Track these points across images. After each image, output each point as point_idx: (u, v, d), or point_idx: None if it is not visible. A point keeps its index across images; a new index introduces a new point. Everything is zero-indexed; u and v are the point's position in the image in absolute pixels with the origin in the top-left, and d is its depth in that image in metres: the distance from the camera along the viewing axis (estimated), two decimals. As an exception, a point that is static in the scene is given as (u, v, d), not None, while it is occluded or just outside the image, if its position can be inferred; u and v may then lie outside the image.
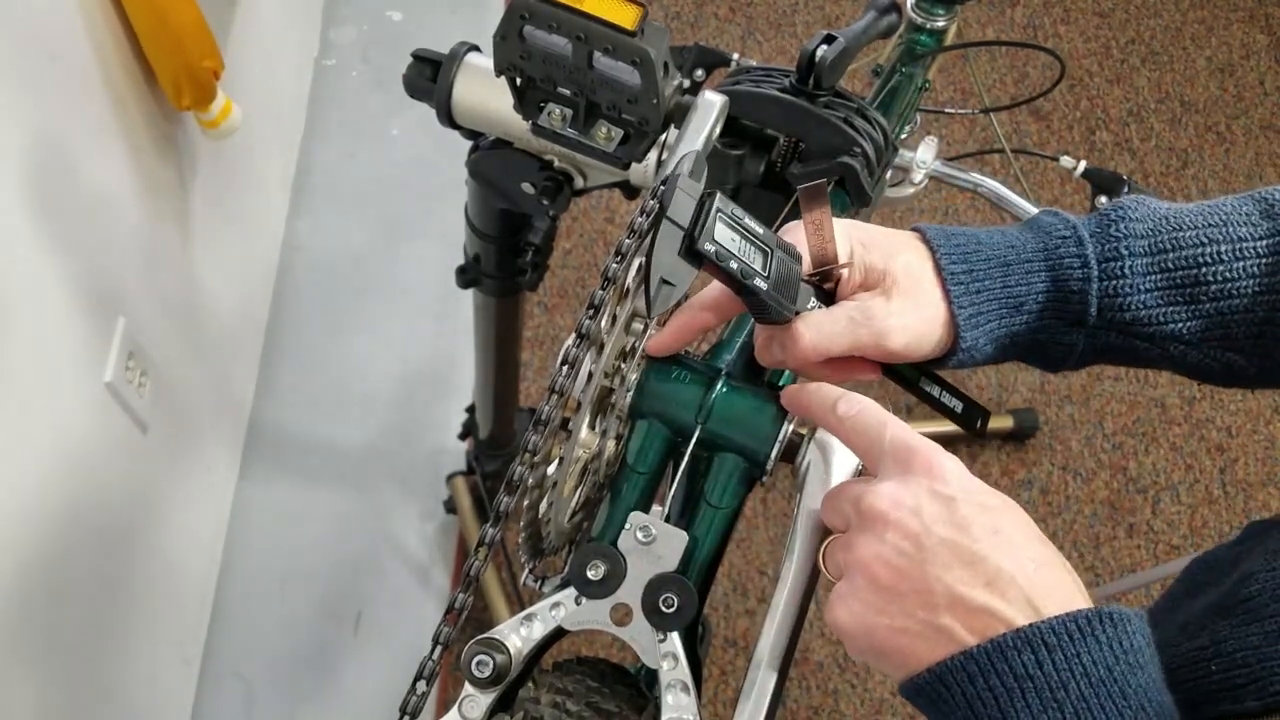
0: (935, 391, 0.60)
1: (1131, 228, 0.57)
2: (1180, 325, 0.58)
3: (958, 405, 0.61)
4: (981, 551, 0.44)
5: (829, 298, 0.57)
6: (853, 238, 0.56)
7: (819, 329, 0.55)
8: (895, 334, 0.55)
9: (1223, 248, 0.57)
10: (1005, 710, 0.42)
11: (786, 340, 0.55)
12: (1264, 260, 0.56)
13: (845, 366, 0.58)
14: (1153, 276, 0.57)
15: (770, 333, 0.56)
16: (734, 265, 0.50)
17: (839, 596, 0.46)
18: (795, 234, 0.57)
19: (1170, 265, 0.57)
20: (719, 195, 0.50)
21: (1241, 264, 0.57)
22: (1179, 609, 0.62)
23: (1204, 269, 0.56)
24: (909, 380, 0.60)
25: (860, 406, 0.51)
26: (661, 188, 0.50)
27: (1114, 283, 0.57)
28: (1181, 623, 0.59)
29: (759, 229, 0.52)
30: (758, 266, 0.51)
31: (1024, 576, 0.43)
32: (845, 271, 0.56)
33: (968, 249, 0.58)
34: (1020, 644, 0.42)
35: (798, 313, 0.54)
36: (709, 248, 0.49)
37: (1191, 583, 0.65)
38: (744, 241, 0.51)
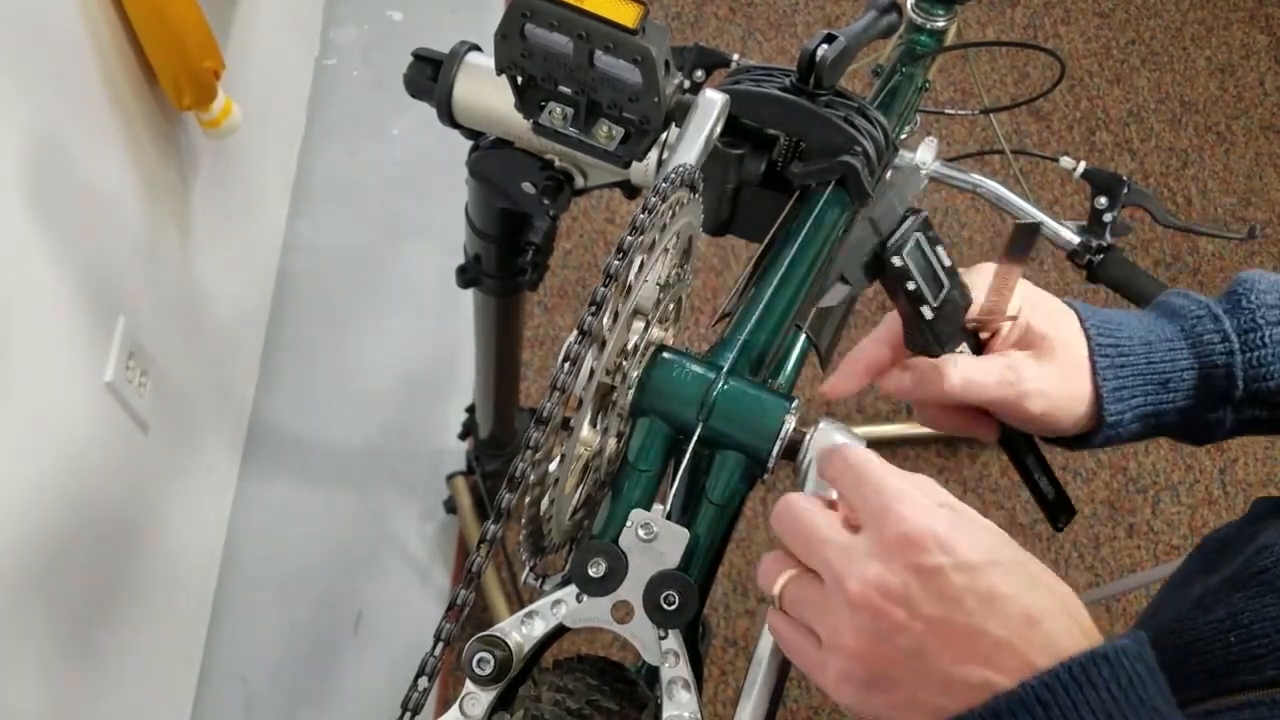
0: (1036, 472, 0.61)
1: (1262, 298, 0.59)
2: None
3: (1050, 492, 0.62)
4: (976, 625, 0.42)
5: (978, 346, 0.58)
6: (1021, 294, 0.57)
7: (969, 373, 0.55)
8: (1037, 399, 0.56)
9: None
10: None
11: (928, 373, 0.55)
12: None
13: (972, 419, 0.59)
14: None
15: (909, 364, 0.57)
16: (911, 286, 0.51)
17: (828, 670, 0.45)
18: (975, 275, 0.57)
19: None
20: (923, 216, 0.52)
21: None
22: (1192, 584, 0.63)
23: None
24: (1019, 451, 0.61)
25: (841, 463, 0.49)
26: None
27: (1256, 354, 0.58)
28: (1197, 597, 0.60)
29: (946, 261, 0.53)
30: (929, 295, 0.52)
31: (1021, 639, 0.42)
32: (1007, 326, 0.56)
33: (1113, 325, 0.59)
34: (1015, 706, 0.41)
35: (945, 350, 0.55)
36: (896, 262, 0.50)
37: (1204, 559, 0.65)
38: (927, 266, 0.52)
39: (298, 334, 1.72)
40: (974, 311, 0.56)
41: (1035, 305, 0.58)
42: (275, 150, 1.78)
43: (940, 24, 1.08)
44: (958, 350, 0.56)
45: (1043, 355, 0.57)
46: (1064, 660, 0.41)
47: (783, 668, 0.52)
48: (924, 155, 0.92)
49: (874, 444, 0.55)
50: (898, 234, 0.51)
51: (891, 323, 0.58)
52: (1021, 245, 0.53)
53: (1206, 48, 2.22)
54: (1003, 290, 0.55)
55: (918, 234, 0.51)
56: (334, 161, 1.88)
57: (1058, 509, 0.61)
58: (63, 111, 1.05)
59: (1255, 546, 0.59)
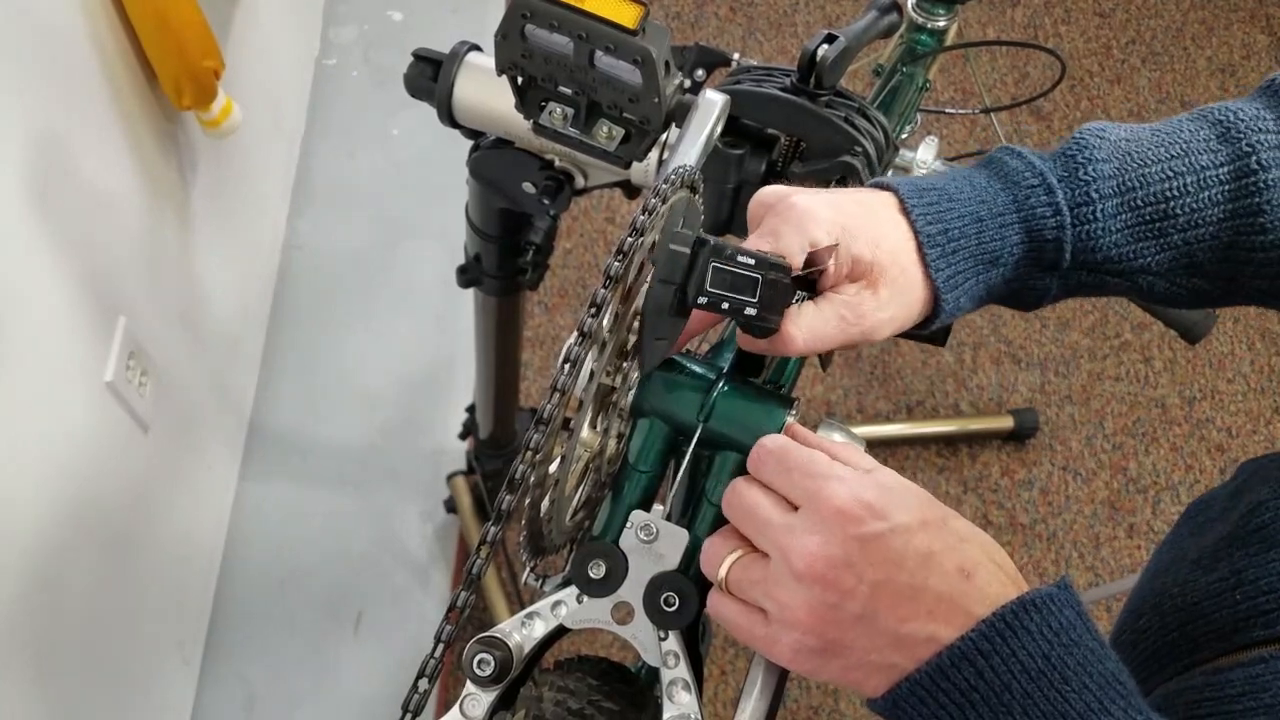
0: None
1: (1099, 169, 0.57)
2: (1150, 259, 0.58)
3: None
4: (918, 583, 0.44)
5: (811, 287, 0.56)
6: (837, 224, 0.54)
7: (810, 331, 0.54)
8: (884, 327, 0.55)
9: (1188, 179, 0.57)
10: None
11: (776, 341, 0.54)
12: (1227, 187, 0.57)
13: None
14: (1123, 216, 0.57)
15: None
16: (725, 306, 0.50)
17: (780, 643, 0.47)
18: (783, 220, 0.55)
19: (1139, 203, 0.57)
20: (711, 243, 0.50)
21: (1206, 193, 0.57)
22: (1185, 547, 0.63)
23: (1171, 203, 0.57)
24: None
25: (761, 454, 0.50)
26: (658, 199, 0.50)
27: (1086, 227, 0.57)
28: (1194, 559, 0.60)
29: (750, 260, 0.51)
30: (747, 296, 0.51)
31: (959, 592, 0.44)
32: (832, 265, 0.55)
33: (941, 207, 0.56)
34: (957, 659, 0.43)
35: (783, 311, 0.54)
36: (701, 300, 0.50)
37: (1193, 523, 0.65)
38: (733, 278, 0.50)
39: (298, 334, 1.72)
40: (795, 266, 0.54)
41: (855, 231, 0.54)
42: (275, 150, 1.78)
43: (941, 24, 1.08)
44: (795, 300, 0.54)
45: (875, 283, 0.54)
46: (997, 610, 0.44)
47: (783, 668, 0.52)
48: (924, 155, 0.92)
49: (874, 444, 0.55)
50: (692, 277, 0.50)
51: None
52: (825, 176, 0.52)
53: (1207, 48, 2.22)
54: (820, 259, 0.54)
55: (711, 263, 0.50)
56: (334, 161, 1.88)
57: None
58: (63, 111, 1.05)
59: (1248, 503, 0.59)
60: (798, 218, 0.54)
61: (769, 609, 0.47)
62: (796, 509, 0.47)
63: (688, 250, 0.50)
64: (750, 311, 0.51)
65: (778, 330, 0.53)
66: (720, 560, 0.49)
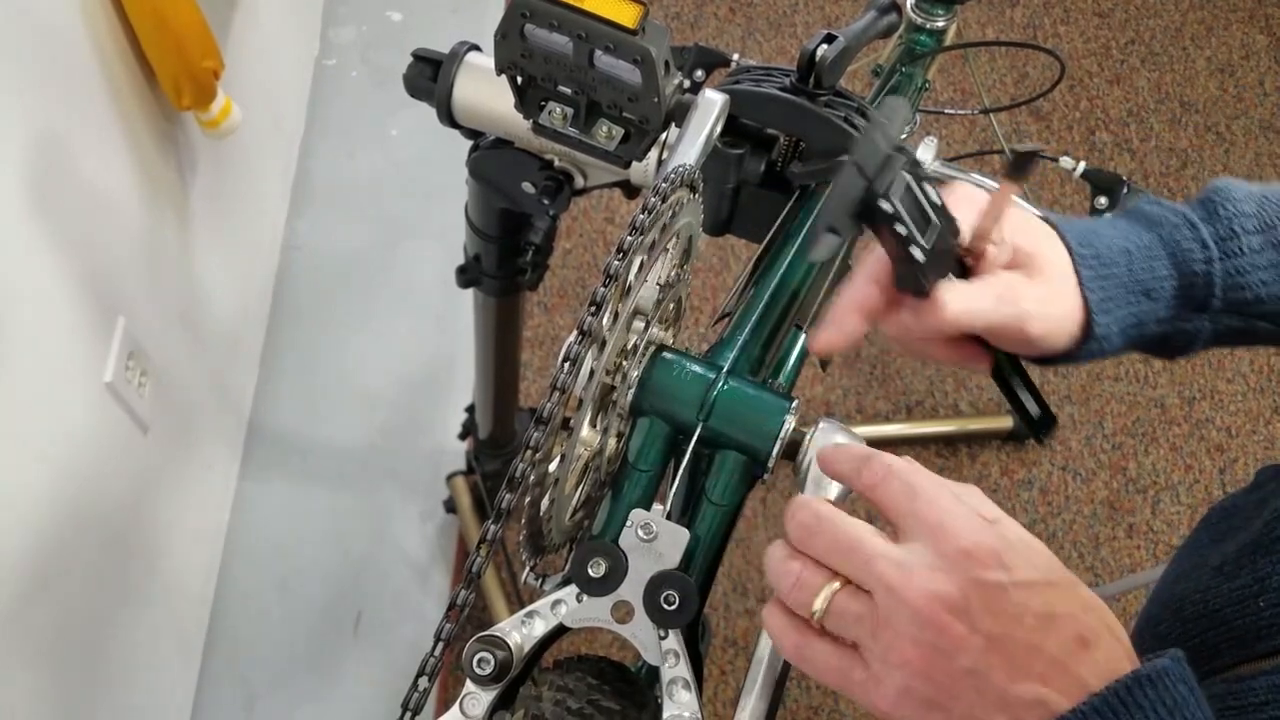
0: (1021, 391, 0.59)
1: (1239, 207, 0.57)
2: None
3: (1035, 410, 0.59)
4: (1034, 643, 0.42)
5: (964, 272, 0.55)
6: (1006, 214, 0.54)
7: (965, 301, 0.52)
8: (1036, 321, 0.54)
9: None
10: None
11: (924, 307, 0.53)
12: None
13: (966, 350, 0.57)
14: (1268, 253, 0.57)
15: (904, 300, 0.54)
16: (901, 230, 0.48)
17: (884, 686, 0.43)
18: (956, 200, 0.55)
19: None
20: (910, 155, 0.49)
21: None
22: (1206, 553, 0.62)
23: None
24: (1003, 373, 0.59)
25: (884, 472, 0.46)
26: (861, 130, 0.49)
27: (1234, 261, 0.56)
28: (1216, 565, 0.59)
29: (936, 199, 0.50)
30: (920, 237, 0.49)
31: (1074, 660, 0.42)
32: (994, 249, 0.54)
33: (1091, 235, 0.57)
34: None
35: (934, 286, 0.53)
36: (884, 205, 0.48)
37: (1214, 530, 0.65)
38: (916, 206, 0.49)
39: (298, 334, 1.72)
40: (963, 239, 0.54)
41: (1017, 225, 0.55)
42: (275, 150, 1.78)
43: (940, 24, 1.08)
44: (945, 279, 0.53)
45: (1033, 274, 0.54)
46: (1110, 685, 0.41)
47: (783, 668, 0.52)
48: (924, 155, 0.92)
49: (873, 444, 0.55)
50: (885, 176, 0.48)
51: (877, 262, 0.54)
52: (1022, 168, 0.51)
53: (1206, 48, 2.22)
54: (995, 214, 0.53)
55: (905, 174, 0.49)
56: (334, 161, 1.88)
57: (1044, 422, 0.60)
58: (62, 112, 1.05)
59: (1271, 511, 0.58)
60: (966, 196, 0.54)
61: (872, 649, 0.44)
62: (896, 542, 0.44)
63: (890, 151, 0.48)
64: (918, 253, 0.49)
65: (927, 295, 0.52)
66: (817, 590, 0.45)
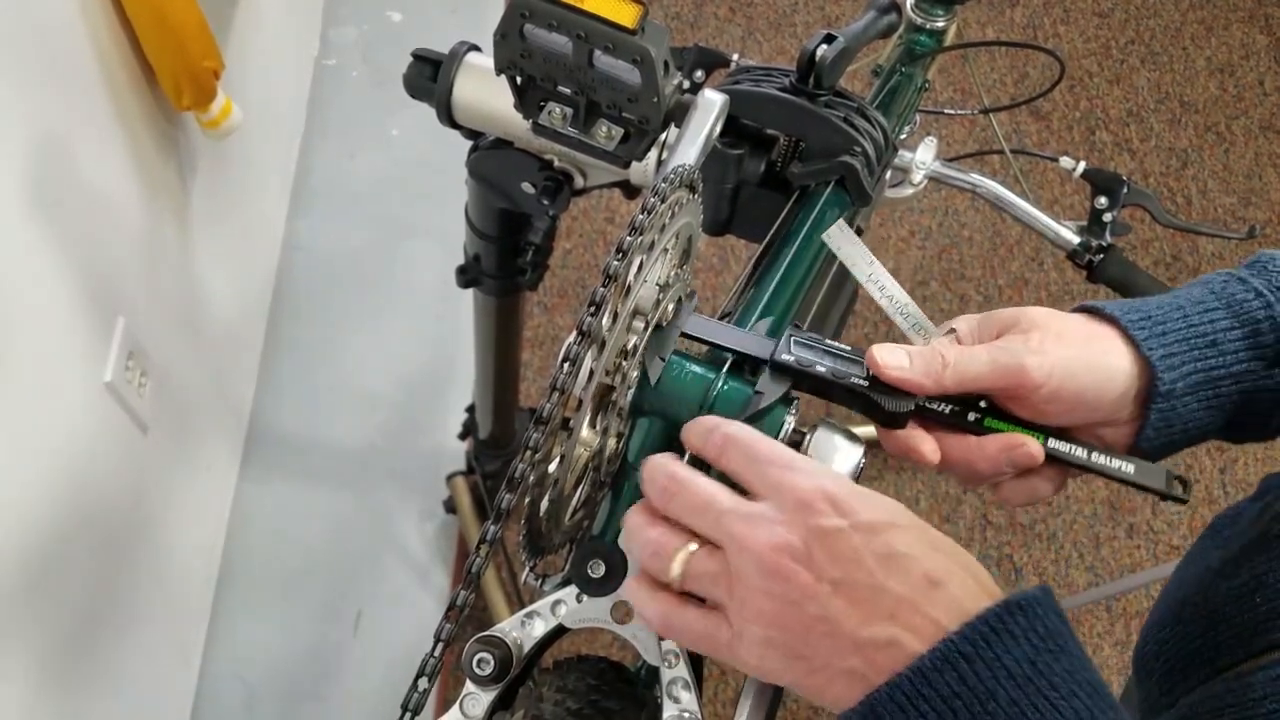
0: (1107, 457, 0.54)
1: None
2: None
3: (1128, 467, 0.54)
4: (877, 583, 0.42)
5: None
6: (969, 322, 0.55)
7: (960, 354, 0.52)
8: (1033, 356, 0.52)
9: None
10: None
11: (926, 361, 0.52)
12: None
13: (1030, 480, 0.56)
14: None
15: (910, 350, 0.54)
16: (821, 370, 0.52)
17: (745, 640, 0.44)
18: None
19: None
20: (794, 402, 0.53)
21: None
22: (1209, 559, 0.62)
23: None
24: (1071, 448, 0.54)
25: (723, 441, 0.48)
26: None
27: None
28: (1217, 567, 0.59)
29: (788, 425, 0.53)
30: (843, 367, 0.53)
31: (924, 598, 0.42)
32: (964, 327, 0.55)
33: (1133, 303, 0.55)
34: (939, 663, 0.41)
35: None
36: (787, 358, 0.52)
37: (1218, 537, 0.64)
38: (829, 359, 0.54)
39: (298, 334, 1.72)
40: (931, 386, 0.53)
41: (986, 315, 0.55)
42: (275, 150, 1.78)
43: (940, 24, 1.09)
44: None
45: (1028, 331, 0.53)
46: (980, 614, 0.41)
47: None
48: (923, 155, 0.92)
49: (873, 445, 0.55)
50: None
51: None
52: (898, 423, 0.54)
53: (1206, 48, 2.22)
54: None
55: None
56: (333, 161, 1.88)
57: (1178, 488, 0.56)
58: (62, 112, 1.05)
59: (1271, 513, 0.58)
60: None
61: (730, 607, 0.44)
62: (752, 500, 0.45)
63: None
64: (862, 382, 0.53)
65: (903, 423, 0.53)
66: (672, 554, 0.46)
